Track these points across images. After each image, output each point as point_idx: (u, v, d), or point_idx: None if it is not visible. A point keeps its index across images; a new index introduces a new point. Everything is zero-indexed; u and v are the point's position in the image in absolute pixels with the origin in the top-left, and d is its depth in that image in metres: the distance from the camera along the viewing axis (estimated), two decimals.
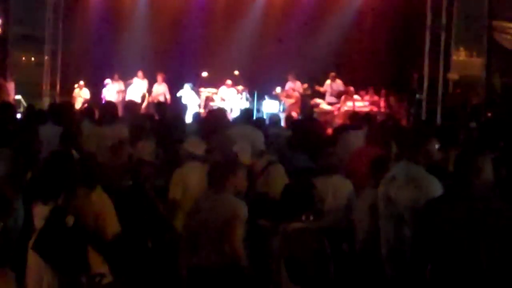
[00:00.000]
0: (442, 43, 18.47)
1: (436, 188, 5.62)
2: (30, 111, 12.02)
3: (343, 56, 21.88)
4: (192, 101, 20.46)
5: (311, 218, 5.47)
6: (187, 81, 21.12)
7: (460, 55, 19.92)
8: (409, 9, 20.97)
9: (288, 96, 20.98)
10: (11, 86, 20.85)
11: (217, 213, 5.82)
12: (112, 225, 5.97)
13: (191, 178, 7.18)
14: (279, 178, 7.42)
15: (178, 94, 20.80)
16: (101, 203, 6.07)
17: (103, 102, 18.46)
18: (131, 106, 12.03)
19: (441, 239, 4.76)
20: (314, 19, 22.22)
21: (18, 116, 12.91)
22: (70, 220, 5.62)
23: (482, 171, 4.83)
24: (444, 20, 19.31)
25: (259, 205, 6.76)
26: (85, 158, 6.78)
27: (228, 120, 11.19)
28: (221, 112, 11.16)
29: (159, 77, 21.11)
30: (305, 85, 20.98)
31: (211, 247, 5.80)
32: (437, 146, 6.71)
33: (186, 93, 20.85)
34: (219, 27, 23.06)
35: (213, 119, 9.52)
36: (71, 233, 5.58)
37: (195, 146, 7.49)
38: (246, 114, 12.08)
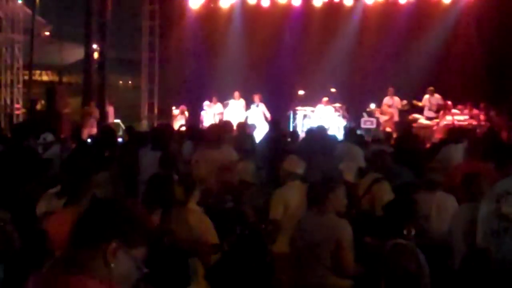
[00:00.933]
0: None
1: None
2: (130, 133, 12.31)
3: (441, 70, 21.60)
4: (260, 120, 20.45)
5: (413, 232, 5.46)
6: (284, 100, 21.35)
7: None
8: (509, 19, 20.63)
9: (382, 113, 20.93)
10: (110, 110, 21.49)
11: (322, 234, 5.86)
12: (211, 237, 6.05)
13: (292, 197, 7.18)
14: (385, 196, 7.37)
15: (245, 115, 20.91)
16: (195, 217, 6.17)
17: (206, 124, 18.73)
18: (238, 127, 12.22)
19: None
20: (411, 33, 22.11)
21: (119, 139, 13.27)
22: (168, 239, 5.70)
23: None
24: None
25: (364, 223, 6.79)
26: (182, 177, 6.81)
27: (329, 139, 11.26)
28: (321, 131, 11.22)
29: (256, 97, 21.34)
30: (404, 101, 20.85)
31: (320, 268, 5.86)
32: None
33: (253, 113, 20.98)
34: (315, 44, 23.21)
35: (313, 138, 9.60)
36: (170, 252, 5.65)
37: (295, 165, 7.55)
38: (350, 132, 12.10)
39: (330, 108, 21.07)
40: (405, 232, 5.41)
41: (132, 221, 2.73)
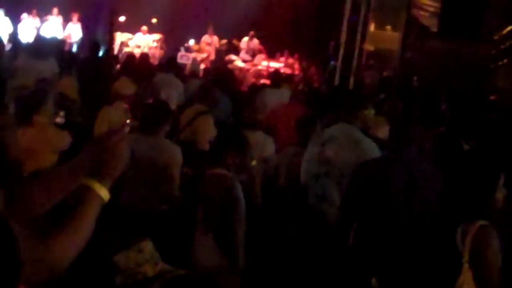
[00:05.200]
0: (362, 14, 18.76)
1: (375, 151, 5.78)
2: None
3: (263, 15, 21.87)
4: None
5: (237, 161, 5.41)
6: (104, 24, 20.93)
7: (376, 28, 20.19)
8: None
9: (200, 50, 21.00)
10: None
11: (154, 157, 5.85)
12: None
13: (116, 117, 7.22)
14: (208, 128, 7.51)
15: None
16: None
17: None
18: (55, 42, 11.88)
19: (372, 196, 4.98)
20: None
21: None
22: None
23: (413, 141, 5.08)
24: None
25: (185, 153, 6.84)
26: None
27: (154, 67, 11.22)
28: (147, 57, 11.16)
29: (74, 17, 20.83)
30: (224, 41, 21.06)
31: (147, 190, 5.85)
32: (373, 113, 6.93)
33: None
34: None
35: (144, 64, 9.55)
36: None
37: (126, 87, 7.50)
38: (171, 63, 12.07)
39: (148, 37, 20.91)
40: (229, 160, 5.29)
41: None
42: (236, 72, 19.24)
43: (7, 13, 20.84)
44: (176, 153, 5.98)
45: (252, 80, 18.55)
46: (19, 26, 20.76)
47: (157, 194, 5.85)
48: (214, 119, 7.89)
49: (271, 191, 6.85)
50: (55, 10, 20.92)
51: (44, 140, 6.01)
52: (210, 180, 5.08)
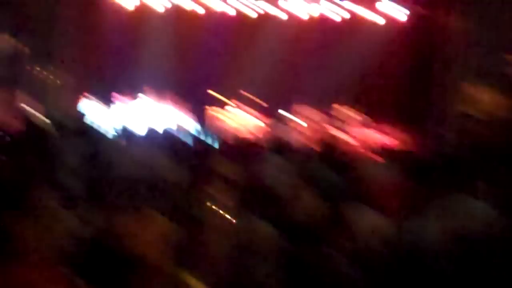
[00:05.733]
0: (455, 76, 18.49)
1: None
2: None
3: (363, 87, 21.73)
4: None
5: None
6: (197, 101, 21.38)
7: (473, 89, 19.83)
8: (424, 38, 21.06)
9: (303, 124, 20.98)
10: (25, 99, 20.92)
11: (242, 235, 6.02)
12: None
13: None
14: (310, 205, 7.40)
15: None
16: None
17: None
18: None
19: None
20: (336, 49, 22.02)
21: None
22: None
23: None
24: (458, 53, 19.35)
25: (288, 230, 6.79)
26: None
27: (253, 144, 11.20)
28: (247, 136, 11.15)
29: (169, 99, 21.18)
30: (324, 114, 20.91)
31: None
32: None
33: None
34: (236, 50, 23.05)
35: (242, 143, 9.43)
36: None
37: (226, 168, 7.50)
38: (270, 140, 12.02)
39: (247, 115, 21.04)
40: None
41: None
42: (341, 145, 19.14)
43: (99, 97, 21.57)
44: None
45: (358, 152, 18.34)
46: (112, 108, 21.45)
47: None
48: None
49: None
50: (150, 93, 21.51)
51: (152, 231, 6.10)
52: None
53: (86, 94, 21.94)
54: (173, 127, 19.01)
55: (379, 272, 6.69)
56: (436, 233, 5.96)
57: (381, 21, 21.90)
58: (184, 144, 11.52)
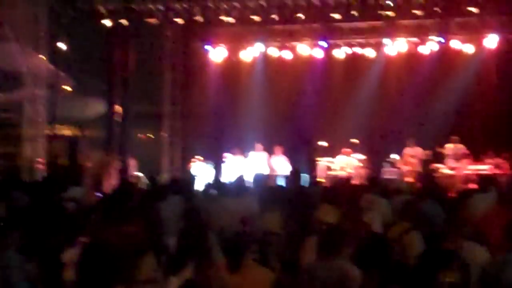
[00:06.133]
0: None
1: None
2: (153, 184, 12.37)
3: (462, 119, 21.60)
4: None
5: (449, 280, 5.38)
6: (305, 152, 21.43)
7: None
8: None
9: (404, 163, 20.86)
10: (132, 163, 21.52)
11: (332, 279, 5.80)
12: None
13: None
14: (417, 245, 7.31)
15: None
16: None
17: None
18: (259, 178, 12.19)
19: None
20: (432, 83, 22.11)
21: None
22: None
23: None
24: None
25: (396, 273, 6.71)
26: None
27: (358, 189, 11.21)
28: (349, 180, 11.21)
29: (277, 149, 21.34)
30: (428, 151, 20.71)
31: None
32: None
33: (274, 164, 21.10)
34: (337, 95, 23.31)
35: (345, 188, 9.57)
36: None
37: (328, 213, 7.52)
38: (374, 183, 12.00)
39: (351, 159, 21.06)
40: (441, 280, 5.26)
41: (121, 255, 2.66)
42: (444, 180, 18.88)
43: (208, 157, 21.90)
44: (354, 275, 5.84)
45: (461, 186, 18.03)
46: (223, 166, 21.71)
47: None
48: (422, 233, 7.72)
49: None
50: (258, 146, 21.58)
51: (255, 281, 6.09)
52: None
53: (195, 156, 22.37)
54: (280, 178, 19.21)
55: None
56: None
57: (478, 52, 21.75)
58: (288, 193, 11.58)
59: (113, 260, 2.56)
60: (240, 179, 10.29)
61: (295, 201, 9.57)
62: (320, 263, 6.03)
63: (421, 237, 7.66)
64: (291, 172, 13.57)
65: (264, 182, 11.88)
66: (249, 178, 11.86)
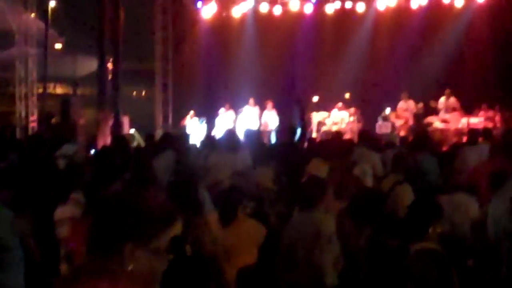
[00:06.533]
0: None
1: None
2: (149, 141, 12.39)
3: (454, 72, 21.50)
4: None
5: (439, 230, 5.42)
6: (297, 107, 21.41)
7: None
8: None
9: (397, 117, 20.86)
10: (125, 120, 21.49)
11: (305, 231, 5.80)
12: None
13: None
14: (407, 197, 7.25)
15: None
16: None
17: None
18: (250, 133, 12.16)
19: None
20: (424, 37, 22.09)
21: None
22: (189, 249, 5.48)
23: None
24: None
25: (387, 225, 6.74)
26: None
27: (348, 143, 11.21)
28: (339, 135, 11.21)
29: (269, 104, 21.43)
30: (420, 104, 20.71)
31: (302, 264, 5.75)
32: None
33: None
34: (328, 50, 23.24)
35: (335, 142, 9.57)
36: (191, 262, 5.47)
37: (318, 168, 7.51)
38: (365, 137, 11.99)
39: (344, 113, 21.10)
40: (430, 231, 5.31)
41: (145, 216, 2.66)
42: (437, 134, 18.92)
43: (200, 113, 21.93)
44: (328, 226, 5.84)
45: (454, 139, 18.06)
46: (216, 121, 21.78)
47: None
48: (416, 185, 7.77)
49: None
50: (251, 101, 21.61)
51: (247, 235, 6.13)
52: (419, 256, 5.02)
53: (188, 112, 22.36)
54: (270, 132, 19.22)
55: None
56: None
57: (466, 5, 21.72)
58: (277, 148, 11.60)
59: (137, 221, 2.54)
60: (231, 134, 10.23)
61: (287, 156, 9.57)
62: (299, 215, 6.02)
63: (412, 189, 7.69)
64: (288, 128, 13.57)
65: (256, 138, 11.83)
66: (240, 133, 11.85)
